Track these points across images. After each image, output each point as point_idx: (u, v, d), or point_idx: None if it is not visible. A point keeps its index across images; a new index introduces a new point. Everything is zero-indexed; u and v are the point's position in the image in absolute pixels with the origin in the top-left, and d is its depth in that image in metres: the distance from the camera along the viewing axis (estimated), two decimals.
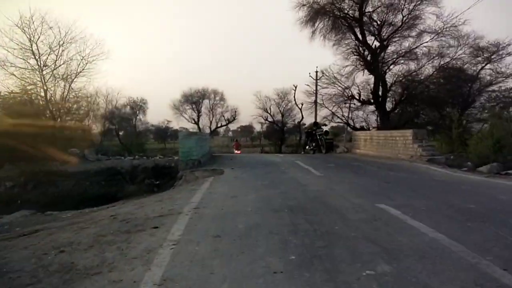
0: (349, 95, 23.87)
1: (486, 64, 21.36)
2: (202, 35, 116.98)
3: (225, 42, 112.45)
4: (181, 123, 43.92)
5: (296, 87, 34.22)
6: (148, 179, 14.60)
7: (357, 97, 23.67)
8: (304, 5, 21.44)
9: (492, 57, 20.49)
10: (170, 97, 56.27)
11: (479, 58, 21.32)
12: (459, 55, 21.11)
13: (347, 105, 25.50)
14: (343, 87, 23.79)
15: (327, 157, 15.75)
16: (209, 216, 5.16)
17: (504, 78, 20.64)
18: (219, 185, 8.02)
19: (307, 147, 19.77)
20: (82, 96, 20.21)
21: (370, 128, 25.30)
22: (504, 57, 20.29)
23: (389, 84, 22.50)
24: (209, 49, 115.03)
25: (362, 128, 25.60)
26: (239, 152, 24.77)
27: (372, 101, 22.87)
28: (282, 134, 37.35)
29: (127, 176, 15.70)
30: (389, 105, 23.25)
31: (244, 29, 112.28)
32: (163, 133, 52.53)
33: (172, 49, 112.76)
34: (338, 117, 26.63)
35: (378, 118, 24.29)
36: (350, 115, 26.68)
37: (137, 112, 40.23)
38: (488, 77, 21.48)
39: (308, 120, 37.24)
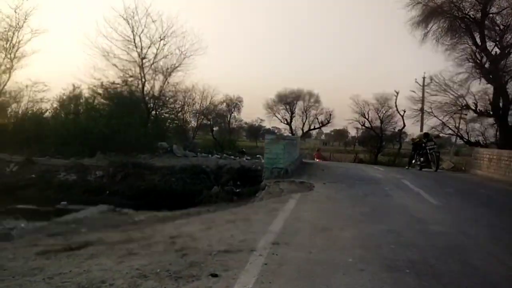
0: (463, 104, 20.53)
1: None
2: (300, 36, 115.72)
3: (323, 43, 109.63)
4: (273, 122, 43.43)
5: (398, 93, 31.02)
6: (232, 182, 13.76)
7: (473, 108, 20.27)
8: (419, 2, 18.98)
9: None
10: (264, 96, 55.83)
11: None
12: None
13: (459, 115, 22.18)
14: (455, 95, 20.60)
15: (439, 177, 13.10)
16: (291, 264, 3.66)
17: None
18: (307, 207, 6.46)
19: (413, 161, 17.13)
20: (178, 90, 20.34)
21: (487, 144, 21.57)
22: None
23: (511, 96, 18.85)
24: (307, 50, 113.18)
25: (477, 143, 21.98)
26: (319, 160, 23.47)
27: (491, 113, 19.47)
28: (379, 141, 34.15)
29: (211, 175, 15.15)
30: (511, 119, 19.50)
31: (343, 30, 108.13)
32: (256, 132, 52.56)
33: (269, 48, 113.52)
34: (450, 128, 23.25)
35: (497, 133, 20.62)
36: (465, 127, 23.21)
37: (232, 109, 40.46)
38: None
39: (411, 130, 33.77)
